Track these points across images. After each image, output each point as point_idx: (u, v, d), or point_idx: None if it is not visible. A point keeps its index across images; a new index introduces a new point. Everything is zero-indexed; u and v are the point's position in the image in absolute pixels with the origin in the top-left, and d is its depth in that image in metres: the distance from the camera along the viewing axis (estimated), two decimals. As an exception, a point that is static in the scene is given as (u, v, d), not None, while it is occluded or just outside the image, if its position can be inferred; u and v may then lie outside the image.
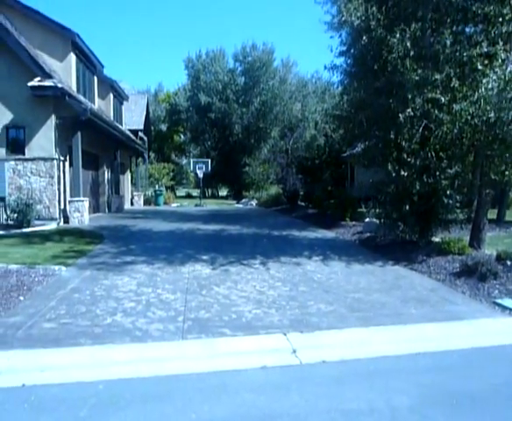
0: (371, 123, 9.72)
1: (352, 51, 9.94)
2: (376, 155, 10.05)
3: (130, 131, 26.09)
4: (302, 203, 23.23)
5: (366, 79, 9.69)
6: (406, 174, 8.82)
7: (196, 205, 27.29)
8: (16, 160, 13.89)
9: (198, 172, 27.18)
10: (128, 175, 26.69)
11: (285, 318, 5.28)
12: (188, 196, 44.05)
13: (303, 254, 9.35)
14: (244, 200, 31.77)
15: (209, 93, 40.10)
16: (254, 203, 29.65)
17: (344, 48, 10.18)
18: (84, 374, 3.74)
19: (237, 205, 30.03)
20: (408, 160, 8.89)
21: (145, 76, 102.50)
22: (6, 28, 13.64)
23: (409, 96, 8.39)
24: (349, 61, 10.06)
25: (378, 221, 10.52)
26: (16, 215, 12.68)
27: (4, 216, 13.44)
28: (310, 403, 3.35)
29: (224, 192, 50.34)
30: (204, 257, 8.83)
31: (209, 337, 4.64)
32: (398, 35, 8.62)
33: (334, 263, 8.57)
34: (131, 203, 26.46)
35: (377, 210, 10.39)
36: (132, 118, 28.79)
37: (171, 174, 33.92)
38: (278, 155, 27.41)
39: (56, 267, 7.37)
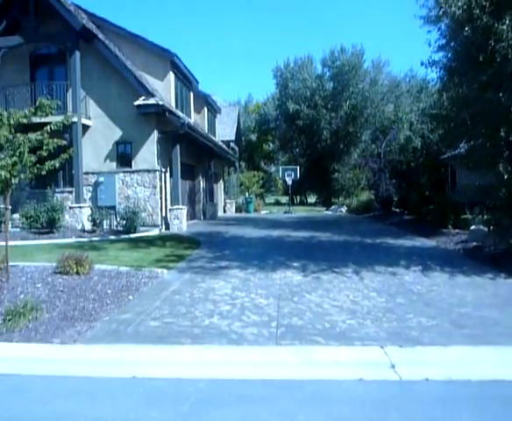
0: (476, 120, 8.87)
1: (453, 44, 9.20)
2: (483, 156, 9.11)
3: (222, 142, 27.37)
4: (397, 210, 22.03)
5: (470, 73, 8.89)
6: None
7: (285, 212, 27.52)
8: (124, 172, 15.42)
9: (287, 179, 27.43)
10: (221, 184, 27.97)
11: (382, 331, 5.02)
12: (277, 203, 44.62)
13: (400, 264, 8.83)
14: (333, 207, 31.20)
15: (298, 100, 40.28)
16: (344, 209, 28.93)
17: (444, 42, 9.48)
18: (186, 372, 3.97)
19: (326, 212, 29.60)
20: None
21: (236, 88, 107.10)
22: (116, 54, 15.29)
23: (524, 88, 7.50)
24: (449, 55, 9.34)
25: (486, 229, 9.53)
26: (124, 222, 14.05)
27: (115, 222, 14.97)
28: (413, 424, 3.12)
29: (312, 199, 50.02)
30: (295, 264, 8.84)
31: (302, 344, 4.61)
32: (508, 21, 7.78)
33: (435, 274, 7.94)
34: (224, 211, 27.65)
35: (485, 217, 9.42)
36: (225, 130, 30.16)
37: (260, 181, 34.72)
38: (369, 160, 26.38)
39: (159, 270, 7.98)
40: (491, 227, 9.14)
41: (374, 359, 4.30)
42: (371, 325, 5.21)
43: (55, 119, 7.62)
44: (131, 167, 15.41)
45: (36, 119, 7.35)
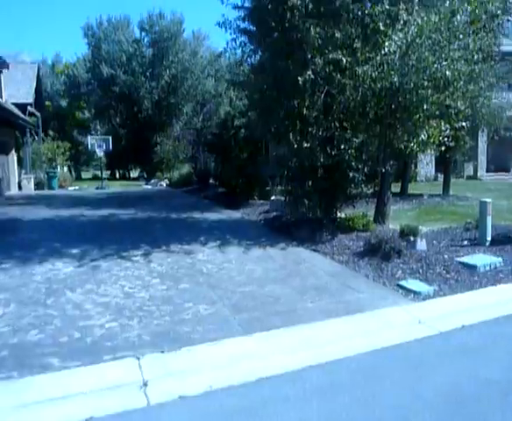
0: (270, 88, 8.66)
1: (247, 4, 8.74)
2: (279, 126, 9.01)
3: (15, 104, 22.51)
4: (215, 183, 21.97)
5: (265, 38, 8.59)
6: (309, 145, 7.94)
7: (97, 188, 24.60)
8: None
9: (97, 150, 24.43)
10: (13, 156, 23.10)
11: (146, 332, 4.01)
12: (95, 178, 40.32)
13: (199, 240, 8.09)
14: (153, 180, 29.55)
15: (113, 64, 36.55)
16: (165, 183, 27.67)
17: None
18: None
19: (145, 186, 27.73)
20: (311, 130, 8.03)
21: (42, 46, 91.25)
22: None
23: (309, 57, 7.45)
24: (242, 15, 8.80)
25: (283, 198, 9.64)
26: None
27: None
28: None
29: (136, 173, 47.18)
30: (74, 251, 7.15)
31: (24, 376, 3.22)
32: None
33: (231, 249, 7.44)
34: (20, 187, 22.99)
35: (282, 187, 9.49)
36: (19, 91, 24.99)
37: (67, 153, 30.18)
38: (187, 132, 25.65)
39: None
40: (286, 197, 9.23)
41: (123, 378, 3.25)
42: (136, 326, 4.16)
43: None
44: None
45: None
